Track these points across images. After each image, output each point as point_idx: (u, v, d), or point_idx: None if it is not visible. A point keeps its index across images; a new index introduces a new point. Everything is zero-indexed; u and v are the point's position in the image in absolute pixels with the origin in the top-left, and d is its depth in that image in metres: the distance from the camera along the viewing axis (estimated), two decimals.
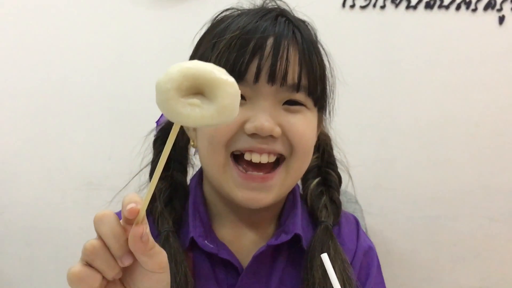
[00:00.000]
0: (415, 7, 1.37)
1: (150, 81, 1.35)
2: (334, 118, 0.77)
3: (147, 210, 0.47)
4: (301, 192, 0.79)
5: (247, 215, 0.71)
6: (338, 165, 0.80)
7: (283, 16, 0.66)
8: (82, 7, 1.40)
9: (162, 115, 0.80)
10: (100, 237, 0.46)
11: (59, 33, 1.40)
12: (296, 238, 0.69)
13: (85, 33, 1.40)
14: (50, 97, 1.42)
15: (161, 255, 0.48)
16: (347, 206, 1.22)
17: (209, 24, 0.71)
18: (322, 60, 0.68)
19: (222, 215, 0.71)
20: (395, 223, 1.43)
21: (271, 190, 0.65)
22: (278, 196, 0.67)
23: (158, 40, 1.40)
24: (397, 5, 1.37)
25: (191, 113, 0.41)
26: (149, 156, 0.77)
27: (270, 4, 0.71)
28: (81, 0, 1.40)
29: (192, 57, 0.70)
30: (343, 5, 1.38)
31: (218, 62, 0.61)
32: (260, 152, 0.62)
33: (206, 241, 0.68)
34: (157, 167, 0.45)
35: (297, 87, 0.63)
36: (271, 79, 0.61)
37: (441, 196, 1.40)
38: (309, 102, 0.65)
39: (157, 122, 0.81)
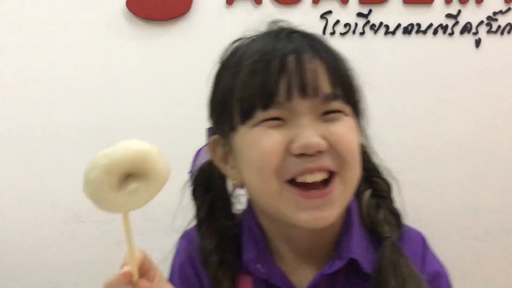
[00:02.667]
0: (393, 32, 1.40)
1: (134, 112, 1.38)
2: None
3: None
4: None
5: (302, 245, 0.67)
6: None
7: (294, 32, 0.64)
8: (63, 40, 1.41)
9: (194, 161, 0.78)
10: None
11: (42, 67, 1.41)
12: (353, 262, 0.64)
13: (69, 66, 1.41)
14: (35, 131, 1.41)
15: None
16: None
17: (224, 58, 0.68)
18: (348, 66, 0.65)
19: (278, 245, 0.68)
20: None
21: (333, 205, 0.61)
22: (340, 210, 0.63)
23: (140, 71, 1.41)
24: (375, 32, 1.40)
25: (137, 198, 0.43)
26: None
27: (275, 26, 0.68)
28: (62, 34, 1.41)
29: (213, 93, 0.68)
30: (324, 32, 1.41)
31: (243, 91, 0.60)
32: (312, 172, 0.59)
33: (259, 265, 0.65)
34: (127, 242, 0.47)
35: (331, 97, 0.60)
36: (303, 92, 0.59)
37: (427, 217, 1.41)
38: (347, 109, 0.62)
39: (190, 172, 0.78)
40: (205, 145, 0.75)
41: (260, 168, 0.60)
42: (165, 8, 1.38)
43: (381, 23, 1.40)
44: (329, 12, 1.41)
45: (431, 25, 1.40)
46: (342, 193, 0.61)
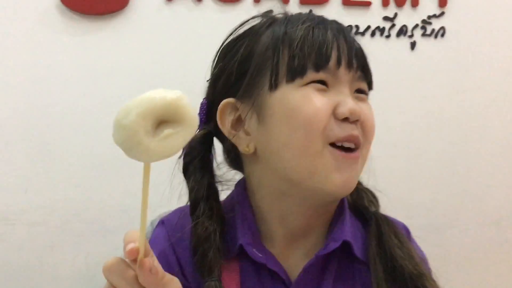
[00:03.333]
0: None
1: (67, 108, 1.33)
2: None
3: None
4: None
5: (298, 226, 0.68)
6: None
7: (332, 20, 0.69)
8: None
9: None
10: (113, 285, 0.48)
11: None
12: (346, 245, 0.67)
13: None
14: None
15: (173, 283, 0.50)
16: None
17: (242, 32, 0.71)
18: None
19: (271, 227, 0.69)
20: None
21: (357, 172, 0.65)
22: (357, 180, 0.67)
23: (74, 67, 1.36)
24: None
25: (172, 143, 0.43)
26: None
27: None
28: None
29: (238, 56, 0.68)
30: None
31: (301, 49, 0.62)
32: (354, 140, 0.63)
33: (254, 250, 0.66)
34: (142, 205, 0.48)
35: (363, 76, 0.66)
36: (350, 65, 0.64)
37: None
38: (367, 90, 0.68)
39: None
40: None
41: (308, 126, 0.61)
42: (102, 3, 1.34)
43: None
44: (270, 11, 1.40)
45: (369, 27, 1.43)
46: (360, 167, 0.66)
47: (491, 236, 1.50)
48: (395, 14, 1.43)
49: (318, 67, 0.62)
